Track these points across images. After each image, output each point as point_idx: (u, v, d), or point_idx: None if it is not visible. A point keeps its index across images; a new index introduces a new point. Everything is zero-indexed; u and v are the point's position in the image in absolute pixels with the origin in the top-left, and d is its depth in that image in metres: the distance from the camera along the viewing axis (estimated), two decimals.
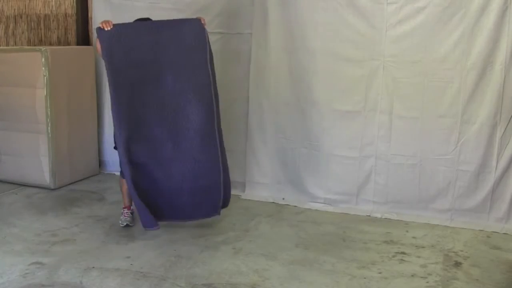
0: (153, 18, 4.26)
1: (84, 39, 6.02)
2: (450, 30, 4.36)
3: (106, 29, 3.93)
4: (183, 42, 4.10)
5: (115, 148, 4.31)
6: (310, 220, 4.63)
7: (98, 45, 4.03)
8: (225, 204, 4.29)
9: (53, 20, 6.25)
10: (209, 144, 4.09)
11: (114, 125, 4.01)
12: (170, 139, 4.06)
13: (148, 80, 4.02)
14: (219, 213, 4.25)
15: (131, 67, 3.97)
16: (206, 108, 4.09)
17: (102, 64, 5.81)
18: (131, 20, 4.24)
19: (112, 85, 3.92)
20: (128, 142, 3.95)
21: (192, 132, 4.06)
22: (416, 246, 4.09)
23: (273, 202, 5.06)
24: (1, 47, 6.27)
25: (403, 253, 3.95)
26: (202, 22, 4.18)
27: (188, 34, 4.12)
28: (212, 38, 5.17)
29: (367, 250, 4.00)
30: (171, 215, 4.16)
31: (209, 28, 5.16)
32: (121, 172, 4.33)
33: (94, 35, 5.90)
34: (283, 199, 5.07)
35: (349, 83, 4.72)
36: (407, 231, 4.40)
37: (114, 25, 3.96)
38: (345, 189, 4.87)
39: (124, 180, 4.34)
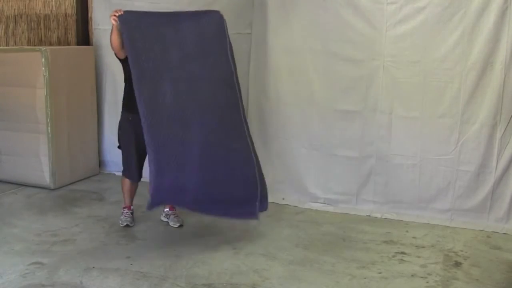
0: None
1: (84, 39, 6.02)
2: (450, 30, 4.35)
3: (119, 13, 3.72)
4: (203, 33, 4.02)
5: (119, 147, 4.31)
6: (310, 220, 4.63)
7: (114, 37, 3.82)
8: (263, 205, 4.01)
9: (53, 20, 6.25)
10: (240, 135, 3.96)
11: (139, 108, 3.67)
12: (199, 125, 3.82)
13: (174, 68, 3.82)
14: (257, 217, 3.99)
15: (154, 55, 3.76)
16: (232, 97, 4.01)
17: (102, 64, 5.84)
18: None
19: (136, 72, 3.67)
20: (152, 125, 3.65)
21: (221, 120, 3.92)
22: (416, 246, 4.09)
23: (273, 202, 5.04)
24: (1, 47, 6.27)
25: (403, 253, 3.95)
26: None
27: (208, 25, 4.05)
28: None
29: (367, 250, 4.00)
30: (200, 206, 3.83)
31: None
32: (123, 171, 4.34)
33: (94, 35, 5.90)
34: (283, 199, 5.07)
35: (349, 83, 4.72)
36: (407, 231, 4.40)
37: (127, 11, 3.77)
38: (345, 189, 4.87)
39: (125, 180, 4.34)
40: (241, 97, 4.12)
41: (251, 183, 3.94)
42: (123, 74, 4.17)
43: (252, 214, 3.95)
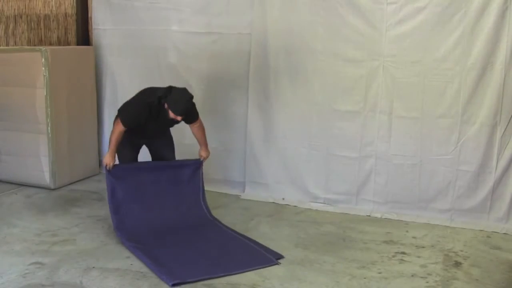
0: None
1: (84, 39, 6.02)
2: (450, 30, 4.35)
3: (108, 168, 4.10)
4: (180, 181, 4.38)
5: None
6: (310, 220, 4.63)
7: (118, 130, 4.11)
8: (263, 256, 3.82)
9: (53, 20, 6.25)
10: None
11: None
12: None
13: (151, 216, 4.23)
14: (271, 261, 3.73)
15: (132, 205, 4.18)
16: (211, 231, 4.26)
17: (102, 64, 5.85)
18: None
19: (115, 219, 4.12)
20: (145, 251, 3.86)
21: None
22: (416, 246, 4.09)
23: (273, 202, 5.06)
24: (1, 47, 6.26)
25: (403, 253, 3.95)
26: (203, 160, 4.39)
27: (186, 173, 4.39)
28: (212, 38, 5.19)
29: (367, 250, 4.00)
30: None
31: (209, 28, 5.19)
32: None
33: (94, 35, 5.90)
34: (283, 199, 5.07)
35: (349, 83, 4.72)
36: (407, 231, 4.40)
37: (116, 167, 4.16)
38: (345, 189, 4.87)
39: None
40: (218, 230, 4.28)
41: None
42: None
43: (267, 260, 3.74)
